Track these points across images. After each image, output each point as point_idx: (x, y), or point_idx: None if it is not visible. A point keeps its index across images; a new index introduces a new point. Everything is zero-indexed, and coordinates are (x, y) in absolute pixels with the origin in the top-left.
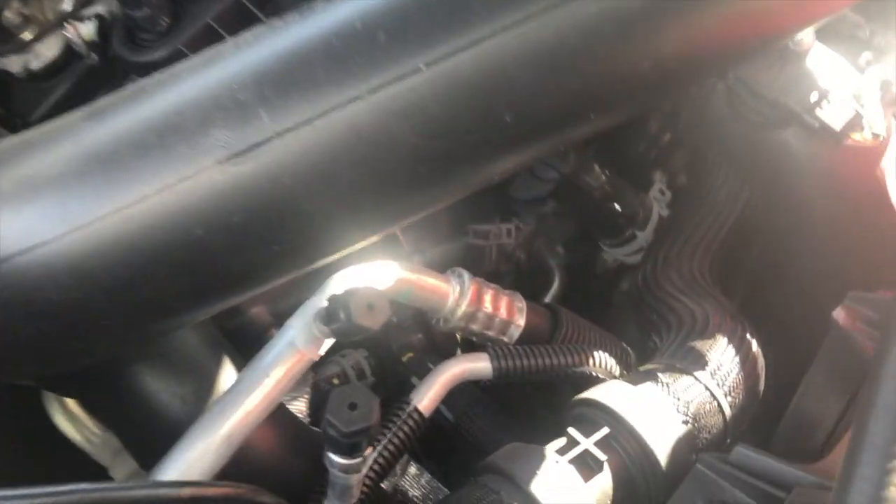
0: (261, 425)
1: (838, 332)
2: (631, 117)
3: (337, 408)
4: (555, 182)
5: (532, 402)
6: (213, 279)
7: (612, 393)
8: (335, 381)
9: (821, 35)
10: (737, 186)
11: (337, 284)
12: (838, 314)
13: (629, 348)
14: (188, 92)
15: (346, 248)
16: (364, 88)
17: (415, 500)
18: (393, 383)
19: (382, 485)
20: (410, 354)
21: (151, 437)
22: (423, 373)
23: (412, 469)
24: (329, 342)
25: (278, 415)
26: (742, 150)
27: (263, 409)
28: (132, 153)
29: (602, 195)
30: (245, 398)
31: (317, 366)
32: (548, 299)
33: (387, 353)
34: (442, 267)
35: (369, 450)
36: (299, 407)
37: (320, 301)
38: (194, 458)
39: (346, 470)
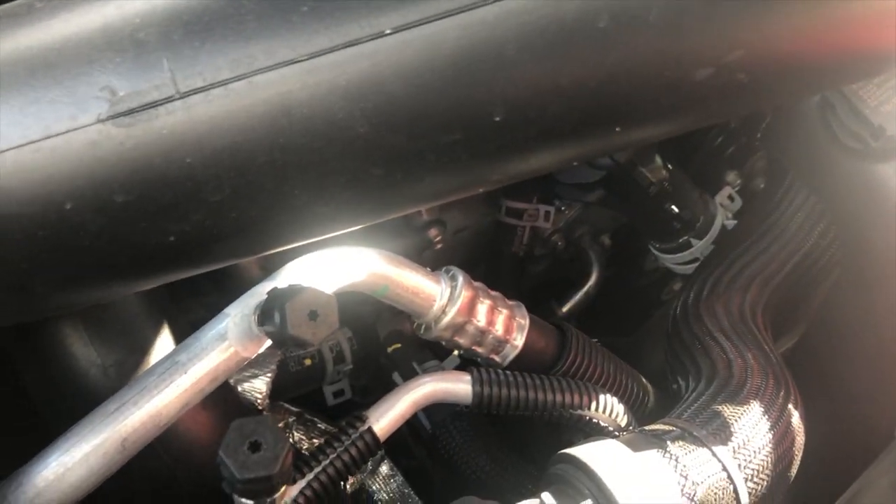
0: (197, 407)
1: None
2: (670, 135)
3: (234, 445)
4: (607, 170)
5: (536, 431)
6: (86, 268)
7: (606, 456)
8: (307, 361)
9: None
10: (815, 215)
11: (291, 273)
12: None
13: (649, 386)
14: (76, 20)
15: (264, 251)
16: (303, 49)
17: None
18: (373, 373)
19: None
20: (398, 346)
21: (63, 405)
22: (407, 371)
23: (384, 468)
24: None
25: (219, 397)
26: (829, 175)
27: (175, 410)
28: None
29: (658, 193)
30: (154, 395)
31: None
32: (583, 293)
33: (373, 338)
34: (462, 241)
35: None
36: (257, 387)
37: (268, 289)
38: (75, 462)
39: None
